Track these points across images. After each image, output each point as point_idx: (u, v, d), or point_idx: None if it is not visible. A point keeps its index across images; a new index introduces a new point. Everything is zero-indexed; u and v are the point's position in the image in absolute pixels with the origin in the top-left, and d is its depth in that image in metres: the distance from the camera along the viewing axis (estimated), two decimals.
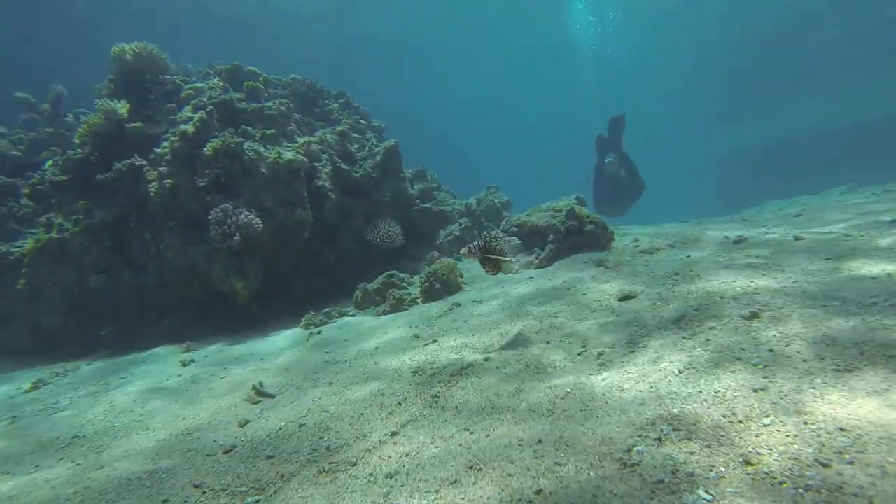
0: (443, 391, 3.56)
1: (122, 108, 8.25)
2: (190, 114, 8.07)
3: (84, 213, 7.88)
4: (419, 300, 7.28)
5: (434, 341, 4.78)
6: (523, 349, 4.07)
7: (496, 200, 13.69)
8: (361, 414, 3.43)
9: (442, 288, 7.24)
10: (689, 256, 5.93)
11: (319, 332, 6.22)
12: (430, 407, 3.35)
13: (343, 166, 9.71)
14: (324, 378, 4.35)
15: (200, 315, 7.86)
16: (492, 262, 4.37)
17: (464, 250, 4.38)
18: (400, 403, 3.48)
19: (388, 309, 7.04)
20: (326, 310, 7.33)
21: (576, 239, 8.04)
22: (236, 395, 4.33)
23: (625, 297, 4.85)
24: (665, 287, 4.80)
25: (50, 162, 9.30)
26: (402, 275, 8.37)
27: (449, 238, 11.72)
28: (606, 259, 6.75)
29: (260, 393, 4.19)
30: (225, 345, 6.67)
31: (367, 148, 11.25)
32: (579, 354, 3.76)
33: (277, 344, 6.16)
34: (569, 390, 3.16)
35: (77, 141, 8.56)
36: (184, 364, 5.75)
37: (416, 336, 5.17)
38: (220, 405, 4.16)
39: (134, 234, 7.88)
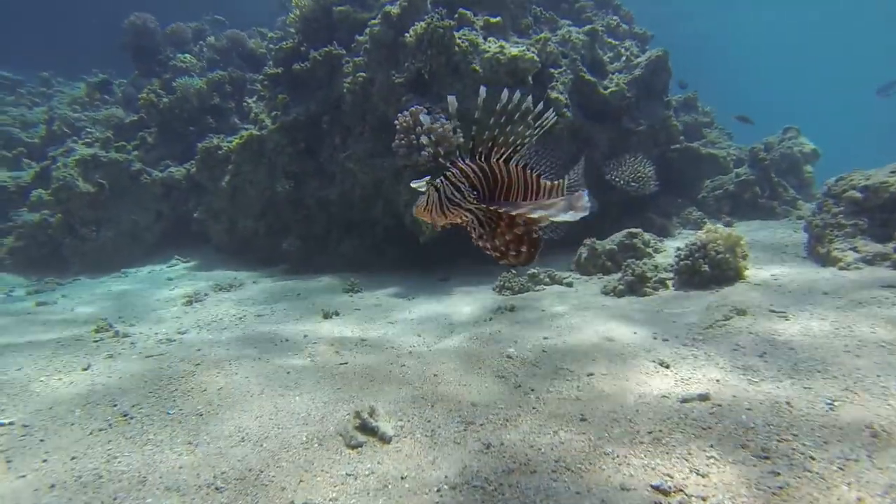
0: None
1: None
2: None
3: (282, 109, 6.94)
4: (671, 282, 4.67)
5: (704, 399, 2.29)
6: None
7: (796, 148, 9.66)
8: None
9: (711, 272, 4.50)
10: None
11: (511, 309, 4.12)
12: None
13: (589, 77, 7.13)
14: (475, 433, 2.26)
15: (384, 244, 6.47)
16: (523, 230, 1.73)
17: (418, 195, 1.75)
18: None
19: (620, 286, 4.62)
20: (532, 270, 5.20)
21: None
22: (336, 416, 2.51)
23: None
24: None
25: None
26: (646, 236, 5.75)
27: (717, 193, 8.47)
28: None
29: (365, 428, 2.30)
30: (390, 295, 5.06)
31: (623, 58, 8.37)
32: None
33: (449, 316, 4.24)
34: None
35: (292, 29, 7.61)
36: (325, 316, 4.23)
37: (662, 364, 2.73)
38: (292, 435, 2.39)
39: (326, 136, 6.70)
